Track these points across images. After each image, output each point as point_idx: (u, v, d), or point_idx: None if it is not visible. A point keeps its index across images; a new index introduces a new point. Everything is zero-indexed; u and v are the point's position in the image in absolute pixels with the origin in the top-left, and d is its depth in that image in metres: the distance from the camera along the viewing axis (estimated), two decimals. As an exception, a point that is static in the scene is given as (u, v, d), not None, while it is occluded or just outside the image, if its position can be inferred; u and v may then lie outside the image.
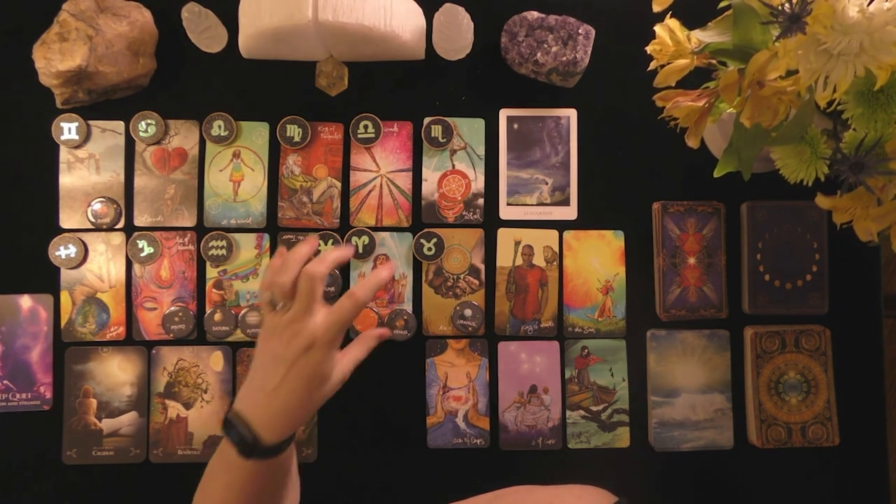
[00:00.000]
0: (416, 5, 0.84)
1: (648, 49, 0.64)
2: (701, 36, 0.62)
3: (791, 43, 0.51)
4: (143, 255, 0.83)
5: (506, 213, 0.86)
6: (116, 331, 0.83)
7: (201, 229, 0.84)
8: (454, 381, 0.84)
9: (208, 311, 0.83)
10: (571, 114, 0.87)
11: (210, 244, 0.83)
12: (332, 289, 0.83)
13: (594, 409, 0.84)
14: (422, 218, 0.86)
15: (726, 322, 0.85)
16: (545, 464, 0.84)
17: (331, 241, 0.84)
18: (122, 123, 0.84)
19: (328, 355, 0.62)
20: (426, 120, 0.85)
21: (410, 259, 0.85)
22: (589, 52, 0.82)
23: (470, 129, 0.86)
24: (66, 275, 0.83)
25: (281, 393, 0.61)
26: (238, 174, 0.85)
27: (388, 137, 0.86)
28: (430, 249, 0.85)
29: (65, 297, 0.83)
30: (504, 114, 0.87)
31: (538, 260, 0.85)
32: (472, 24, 0.83)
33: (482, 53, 0.86)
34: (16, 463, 0.82)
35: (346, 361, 0.66)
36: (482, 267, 0.86)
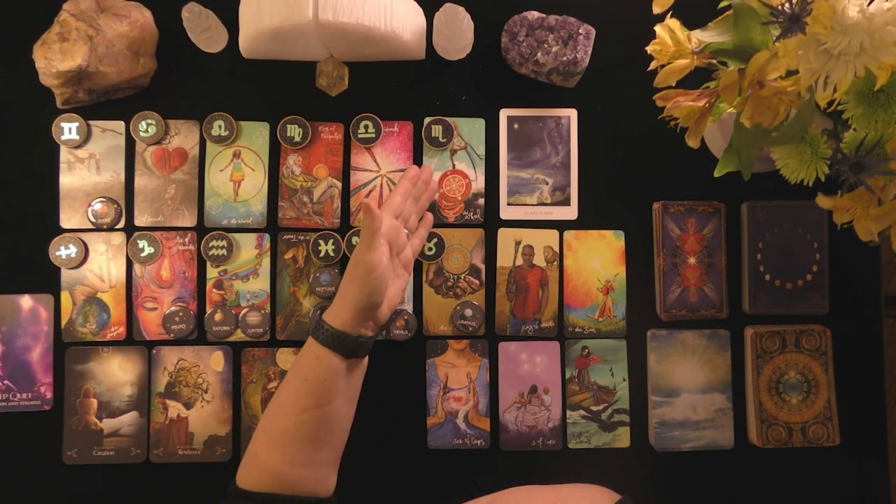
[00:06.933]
0: (416, 5, 0.84)
1: (649, 49, 0.64)
2: (701, 36, 0.62)
3: (791, 43, 0.51)
4: (143, 255, 0.83)
5: (506, 213, 0.86)
6: (117, 331, 0.83)
7: (201, 229, 0.84)
8: (454, 382, 0.84)
9: (209, 311, 0.83)
10: (571, 114, 0.87)
11: (210, 244, 0.83)
12: (333, 288, 0.83)
13: (594, 409, 0.84)
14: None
15: (726, 322, 0.85)
16: (546, 464, 0.84)
17: (331, 240, 0.84)
18: (122, 123, 0.84)
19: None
20: (426, 120, 0.85)
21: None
22: (589, 52, 0.82)
23: (470, 129, 0.86)
24: (66, 275, 0.83)
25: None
26: (238, 174, 0.85)
27: (389, 137, 0.86)
28: (430, 249, 0.85)
29: (65, 297, 0.83)
30: (504, 114, 0.87)
31: (538, 260, 0.85)
32: (472, 24, 0.83)
33: (482, 53, 0.86)
34: (16, 463, 0.82)
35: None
36: (482, 267, 0.86)
